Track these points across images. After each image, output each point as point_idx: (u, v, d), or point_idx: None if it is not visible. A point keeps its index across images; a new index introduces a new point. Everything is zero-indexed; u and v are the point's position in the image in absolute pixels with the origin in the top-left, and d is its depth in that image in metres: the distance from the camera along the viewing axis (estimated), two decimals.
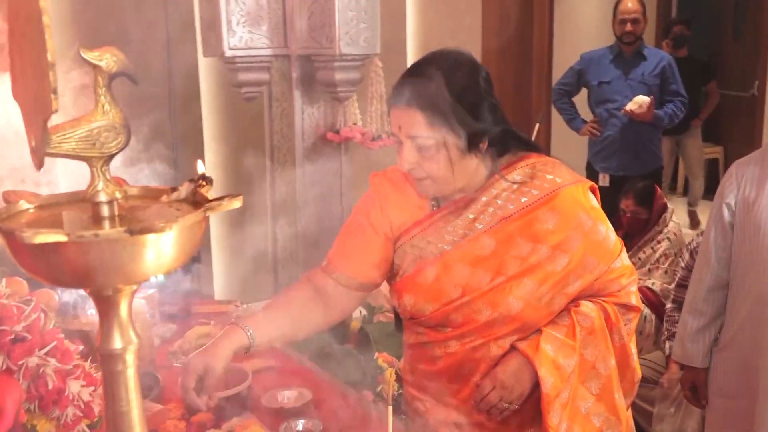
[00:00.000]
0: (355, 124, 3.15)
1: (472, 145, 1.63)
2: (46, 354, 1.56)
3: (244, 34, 2.98)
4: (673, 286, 3.21)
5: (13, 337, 1.51)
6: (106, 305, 0.90)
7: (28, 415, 1.57)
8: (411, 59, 5.00)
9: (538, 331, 1.71)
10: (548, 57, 6.20)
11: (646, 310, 3.51)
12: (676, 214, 6.85)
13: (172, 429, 1.91)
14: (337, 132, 3.14)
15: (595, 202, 1.73)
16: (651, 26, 7.08)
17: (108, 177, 0.89)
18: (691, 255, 3.43)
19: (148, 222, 0.83)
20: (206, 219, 0.90)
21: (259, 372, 2.24)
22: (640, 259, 3.64)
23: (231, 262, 4.25)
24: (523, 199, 1.69)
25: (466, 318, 1.72)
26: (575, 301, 1.72)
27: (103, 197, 0.87)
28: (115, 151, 0.88)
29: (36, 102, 0.78)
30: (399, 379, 2.62)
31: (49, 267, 0.82)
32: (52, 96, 0.74)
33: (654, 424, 3.10)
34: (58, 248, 0.79)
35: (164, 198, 0.94)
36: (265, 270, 3.45)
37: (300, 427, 1.92)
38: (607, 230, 1.70)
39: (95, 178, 0.89)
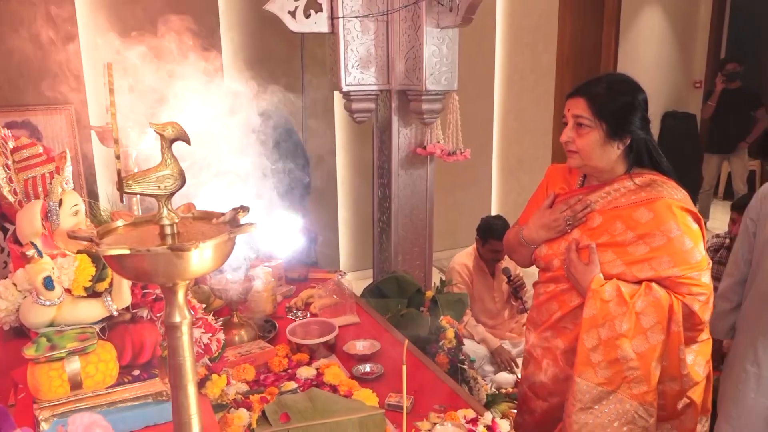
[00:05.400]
0: (438, 141, 3.15)
1: (616, 135, 1.67)
2: None
3: (357, 74, 3.01)
4: None
5: (154, 297, 1.58)
6: (168, 293, 0.92)
7: (164, 351, 1.57)
8: (498, 88, 4.90)
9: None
10: None
11: None
12: (717, 216, 6.29)
13: (278, 363, 1.97)
14: (424, 148, 3.13)
15: (692, 223, 1.67)
16: (701, 62, 6.56)
17: (170, 207, 0.91)
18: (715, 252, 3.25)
19: (182, 242, 0.84)
20: (233, 239, 0.90)
21: (345, 326, 2.27)
22: None
23: (348, 241, 4.36)
24: (633, 197, 1.70)
25: (562, 264, 1.79)
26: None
27: (165, 221, 0.91)
28: (174, 191, 0.91)
29: (113, 160, 0.88)
30: (457, 337, 2.63)
31: (123, 269, 0.87)
32: (116, 159, 0.84)
33: None
34: (126, 258, 0.84)
35: (214, 220, 0.94)
36: (369, 247, 3.52)
37: (367, 368, 1.95)
38: (693, 247, 1.65)
39: (160, 209, 0.91)
